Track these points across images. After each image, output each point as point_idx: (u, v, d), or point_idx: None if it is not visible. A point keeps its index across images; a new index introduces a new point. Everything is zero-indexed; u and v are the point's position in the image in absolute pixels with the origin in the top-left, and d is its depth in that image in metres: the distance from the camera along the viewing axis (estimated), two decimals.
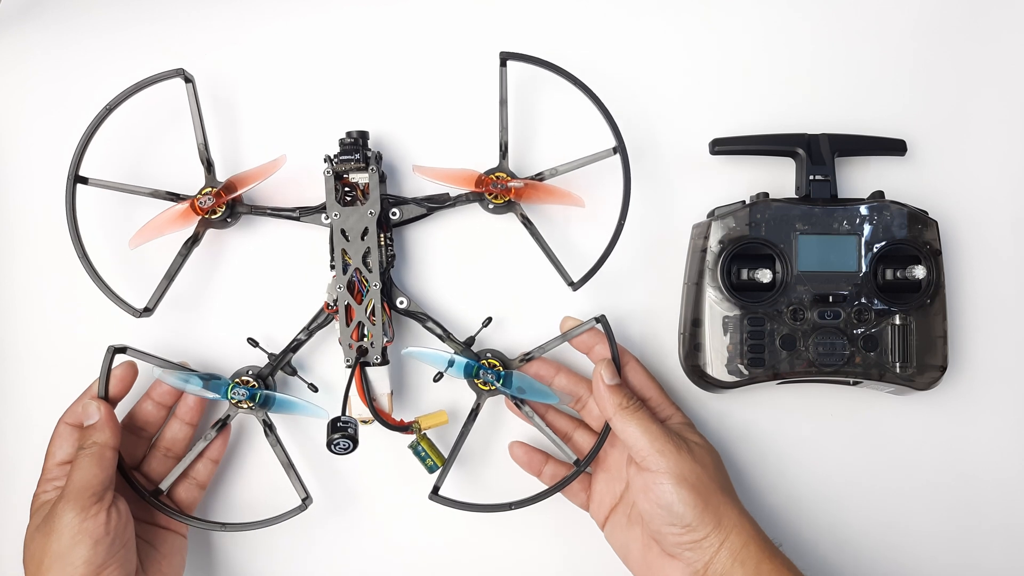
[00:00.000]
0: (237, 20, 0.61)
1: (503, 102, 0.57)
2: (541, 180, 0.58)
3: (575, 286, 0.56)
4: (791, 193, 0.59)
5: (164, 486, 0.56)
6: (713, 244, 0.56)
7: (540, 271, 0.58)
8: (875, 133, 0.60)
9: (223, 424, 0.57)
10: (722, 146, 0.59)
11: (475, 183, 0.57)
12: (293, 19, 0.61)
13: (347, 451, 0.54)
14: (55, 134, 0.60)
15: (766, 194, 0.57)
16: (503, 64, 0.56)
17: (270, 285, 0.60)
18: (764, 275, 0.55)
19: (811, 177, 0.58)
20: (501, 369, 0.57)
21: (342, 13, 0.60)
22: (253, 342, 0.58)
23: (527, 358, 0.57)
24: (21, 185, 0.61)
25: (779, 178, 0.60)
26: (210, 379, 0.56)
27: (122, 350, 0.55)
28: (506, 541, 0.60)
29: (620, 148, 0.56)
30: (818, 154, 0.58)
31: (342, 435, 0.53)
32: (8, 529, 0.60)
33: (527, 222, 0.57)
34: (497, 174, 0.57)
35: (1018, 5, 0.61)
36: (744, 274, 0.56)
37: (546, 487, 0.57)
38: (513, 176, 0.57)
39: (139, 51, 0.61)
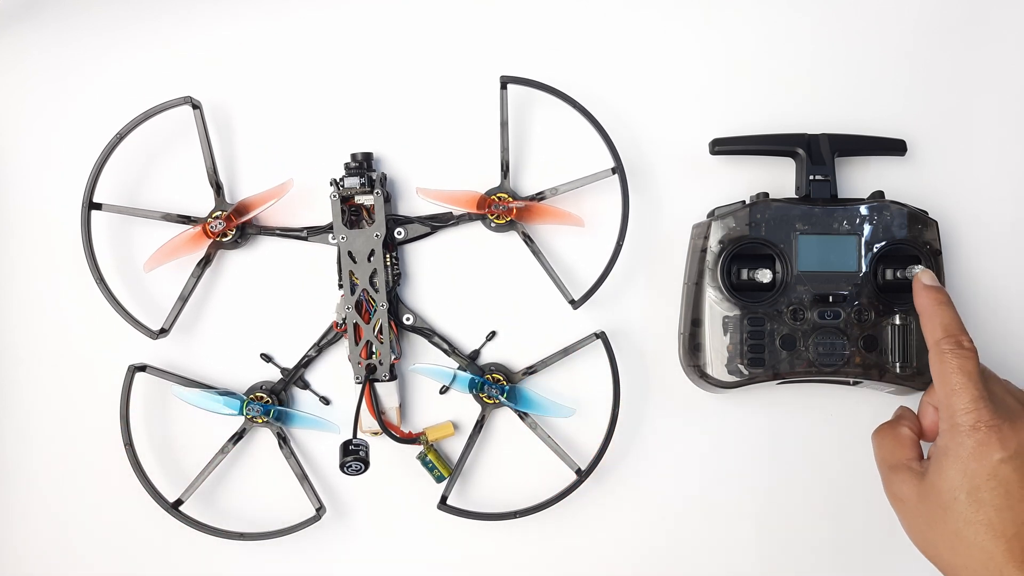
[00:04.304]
0: (237, 33, 0.61)
1: (504, 124, 0.57)
2: (542, 199, 0.58)
3: (575, 304, 0.57)
4: (791, 193, 0.59)
5: (184, 497, 0.58)
6: (713, 244, 0.56)
7: (542, 286, 0.59)
8: (875, 133, 0.59)
9: (239, 438, 0.59)
10: (722, 146, 0.59)
11: (477, 204, 0.58)
12: (296, 41, 0.61)
13: (359, 472, 0.56)
14: (54, 134, 0.61)
15: (766, 194, 0.58)
16: (504, 87, 0.57)
17: (279, 303, 0.61)
18: (764, 275, 0.55)
19: (811, 177, 0.58)
20: (505, 383, 0.58)
21: (345, 36, 0.61)
22: (267, 358, 0.60)
23: (530, 372, 0.58)
24: (20, 185, 0.61)
25: (779, 178, 0.60)
26: (226, 395, 0.58)
27: (141, 368, 0.58)
28: (512, 549, 0.61)
29: (619, 169, 0.57)
30: (818, 154, 0.58)
31: (354, 458, 0.55)
32: (9, 529, 0.60)
33: (528, 240, 0.58)
34: (499, 195, 0.58)
35: (1018, 6, 0.61)
36: (744, 274, 0.56)
37: (550, 496, 0.58)
38: (514, 196, 0.58)
39: (139, 50, 0.61)
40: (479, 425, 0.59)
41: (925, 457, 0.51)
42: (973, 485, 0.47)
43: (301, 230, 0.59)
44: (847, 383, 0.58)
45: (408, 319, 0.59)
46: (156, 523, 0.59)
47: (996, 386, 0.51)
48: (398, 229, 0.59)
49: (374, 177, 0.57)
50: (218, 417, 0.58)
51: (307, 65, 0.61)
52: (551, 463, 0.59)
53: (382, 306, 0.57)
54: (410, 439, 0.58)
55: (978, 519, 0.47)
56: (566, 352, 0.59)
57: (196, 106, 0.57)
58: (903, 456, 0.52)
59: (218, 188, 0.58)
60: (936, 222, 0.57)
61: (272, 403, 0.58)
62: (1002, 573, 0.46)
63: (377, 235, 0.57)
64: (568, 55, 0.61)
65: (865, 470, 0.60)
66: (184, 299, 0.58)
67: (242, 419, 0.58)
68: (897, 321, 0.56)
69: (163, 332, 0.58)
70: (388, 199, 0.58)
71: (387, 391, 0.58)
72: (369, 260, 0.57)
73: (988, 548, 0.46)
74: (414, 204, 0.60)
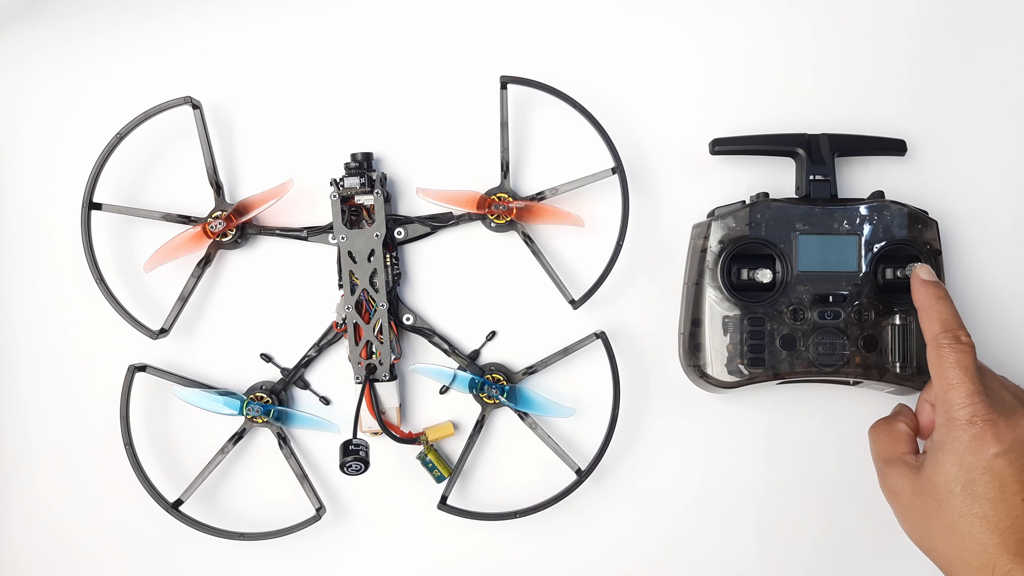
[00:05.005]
0: (237, 33, 0.61)
1: (504, 124, 0.57)
2: (542, 199, 0.58)
3: (575, 304, 0.57)
4: (791, 193, 0.59)
5: (184, 497, 0.58)
6: (713, 244, 0.56)
7: (542, 286, 0.59)
8: (875, 133, 0.59)
9: (239, 438, 0.59)
10: (722, 146, 0.59)
11: (477, 204, 0.58)
12: (297, 40, 0.61)
13: (359, 472, 0.56)
14: (54, 134, 0.61)
15: (766, 194, 0.58)
16: (504, 87, 0.57)
17: (279, 303, 0.61)
18: (764, 275, 0.55)
19: (811, 177, 0.58)
20: (505, 383, 0.58)
21: (346, 36, 0.61)
22: (267, 358, 0.60)
23: (530, 372, 0.58)
24: (20, 185, 0.61)
25: (779, 178, 0.60)
26: (226, 395, 0.58)
27: (141, 368, 0.58)
28: (512, 549, 0.61)
29: (619, 169, 0.57)
30: (818, 154, 0.58)
31: (354, 458, 0.55)
32: (9, 529, 0.60)
33: (528, 240, 0.58)
34: (499, 195, 0.58)
35: (1017, 5, 0.61)
36: (744, 274, 0.56)
37: (550, 496, 0.58)
38: (514, 196, 0.58)
39: (139, 50, 0.61)
40: (479, 425, 0.59)
41: (920, 452, 0.52)
42: (968, 478, 0.47)
43: (301, 230, 0.59)
44: (847, 383, 0.58)
45: (408, 319, 0.59)
46: (156, 523, 0.59)
47: (992, 381, 0.51)
48: (398, 229, 0.59)
49: (374, 177, 0.57)
50: (218, 417, 0.58)
51: (307, 65, 0.61)
52: (551, 463, 0.59)
53: (382, 306, 0.57)
54: (410, 439, 0.58)
55: (973, 512, 0.47)
56: (566, 352, 0.59)
57: (196, 106, 0.57)
58: (898, 450, 0.52)
59: (218, 188, 0.58)
60: (936, 222, 0.57)
61: (272, 403, 0.58)
62: (995, 565, 0.46)
63: (377, 235, 0.57)
64: (568, 55, 0.61)
65: (864, 470, 0.60)
66: (184, 299, 0.58)
67: (242, 419, 0.58)
68: (897, 321, 0.56)
69: (163, 332, 0.58)
70: (388, 199, 0.58)
71: (387, 391, 0.58)
72: (369, 260, 0.57)
73: (982, 540, 0.47)
74: (414, 204, 0.60)
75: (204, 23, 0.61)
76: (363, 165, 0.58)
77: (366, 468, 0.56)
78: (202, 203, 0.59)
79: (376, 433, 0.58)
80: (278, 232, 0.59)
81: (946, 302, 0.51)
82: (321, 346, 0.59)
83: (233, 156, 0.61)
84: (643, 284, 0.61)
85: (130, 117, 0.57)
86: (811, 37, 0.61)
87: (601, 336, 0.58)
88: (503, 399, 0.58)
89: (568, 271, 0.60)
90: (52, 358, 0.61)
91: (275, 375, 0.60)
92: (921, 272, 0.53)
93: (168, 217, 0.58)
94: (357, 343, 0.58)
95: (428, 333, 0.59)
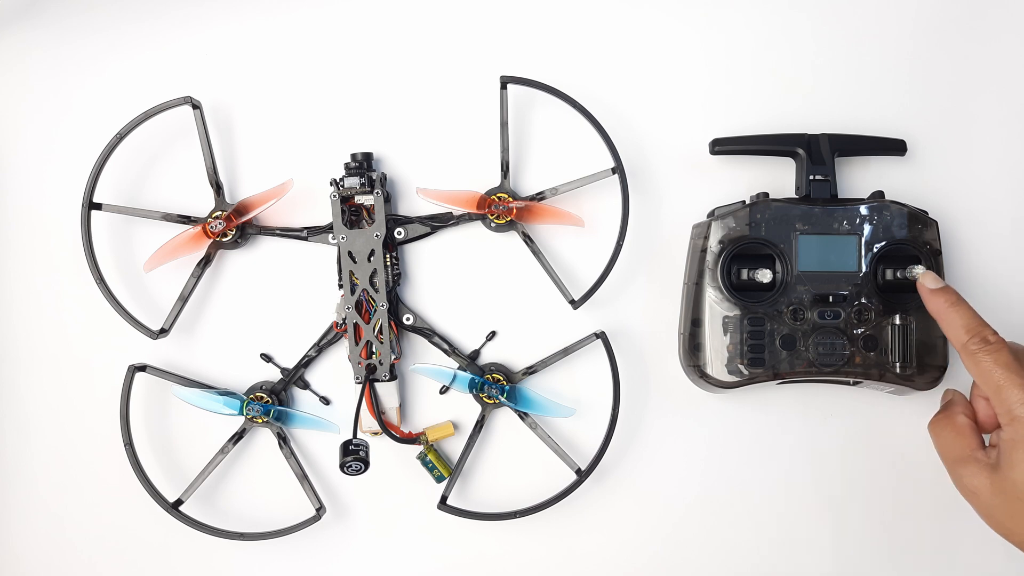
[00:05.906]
0: (237, 33, 0.61)
1: (504, 124, 0.57)
2: (542, 199, 0.58)
3: (575, 304, 0.57)
4: (791, 193, 0.59)
5: (184, 497, 0.58)
6: (713, 244, 0.56)
7: (542, 286, 0.59)
8: (875, 133, 0.60)
9: (239, 438, 0.59)
10: (722, 146, 0.59)
11: (477, 204, 0.58)
12: (297, 40, 0.61)
13: (359, 472, 0.56)
14: (54, 134, 0.61)
15: (766, 194, 0.58)
16: (504, 87, 0.57)
17: (279, 303, 0.61)
18: (764, 275, 0.55)
19: (811, 177, 0.58)
20: (505, 383, 0.58)
21: (345, 36, 0.61)
22: (267, 358, 0.60)
23: (530, 372, 0.58)
24: (20, 185, 0.61)
25: (779, 178, 0.60)
26: (226, 395, 0.58)
27: (141, 368, 0.58)
28: (512, 549, 0.61)
29: (619, 169, 0.57)
30: (818, 154, 0.58)
31: (354, 458, 0.55)
32: (9, 529, 0.60)
33: (528, 240, 0.58)
34: (499, 195, 0.58)
35: (1017, 5, 0.61)
36: (744, 274, 0.56)
37: (550, 496, 0.58)
38: (514, 196, 0.58)
39: (139, 50, 0.61)
40: (479, 425, 0.59)
41: (987, 444, 0.51)
42: None
43: (301, 230, 0.59)
44: (847, 383, 0.58)
45: (408, 319, 0.59)
46: (156, 523, 0.59)
47: None
48: (398, 229, 0.59)
49: (374, 177, 0.57)
50: (218, 417, 0.58)
51: (307, 65, 0.61)
52: (551, 463, 0.59)
53: (382, 306, 0.57)
54: (410, 439, 0.58)
55: None
56: (566, 352, 0.59)
57: (196, 106, 0.58)
58: (966, 446, 0.51)
59: (218, 188, 0.59)
60: (936, 222, 0.57)
61: (272, 403, 0.58)
62: None
63: (377, 235, 0.57)
64: (568, 55, 0.61)
65: (864, 470, 0.61)
66: (184, 299, 0.58)
67: (242, 419, 0.58)
68: (897, 321, 0.56)
69: (163, 332, 0.58)
70: (388, 199, 0.59)
71: (387, 391, 0.58)
72: (369, 260, 0.57)
73: None
74: (414, 204, 0.60)
75: (204, 23, 0.61)
76: (363, 165, 0.58)
77: (366, 468, 0.56)
78: (202, 203, 0.59)
79: (376, 433, 0.58)
80: (278, 232, 0.59)
81: (962, 306, 0.51)
82: (321, 346, 0.59)
83: (233, 156, 0.61)
84: (643, 284, 0.61)
85: (130, 117, 0.57)
86: (811, 37, 0.61)
87: (601, 336, 0.58)
88: (503, 399, 0.58)
89: (568, 271, 0.60)
90: (52, 358, 0.61)
91: (275, 375, 0.60)
92: (927, 281, 0.53)
93: (168, 217, 0.58)
94: (357, 343, 0.58)
95: (428, 333, 0.59)
